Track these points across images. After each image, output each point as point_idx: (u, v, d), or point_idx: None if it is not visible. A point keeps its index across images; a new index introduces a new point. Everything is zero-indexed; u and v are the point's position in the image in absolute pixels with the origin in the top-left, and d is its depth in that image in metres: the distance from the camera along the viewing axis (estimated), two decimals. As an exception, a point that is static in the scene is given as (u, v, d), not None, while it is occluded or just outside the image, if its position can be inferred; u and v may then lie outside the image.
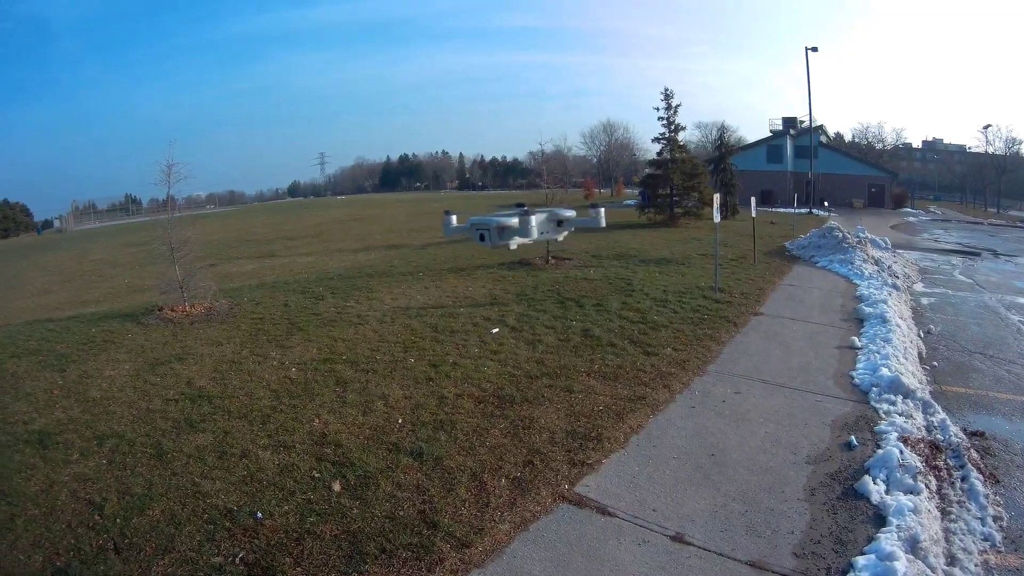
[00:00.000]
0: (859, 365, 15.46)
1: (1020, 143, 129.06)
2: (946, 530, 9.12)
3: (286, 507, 9.20)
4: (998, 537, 9.12)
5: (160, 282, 23.41)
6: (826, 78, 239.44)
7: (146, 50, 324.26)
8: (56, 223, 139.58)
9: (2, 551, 8.50)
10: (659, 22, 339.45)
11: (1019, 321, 22.09)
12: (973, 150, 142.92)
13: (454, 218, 16.91)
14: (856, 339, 17.57)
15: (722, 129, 69.67)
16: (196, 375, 15.13)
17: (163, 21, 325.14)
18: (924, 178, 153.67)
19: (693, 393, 13.73)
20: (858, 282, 26.17)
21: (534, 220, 15.24)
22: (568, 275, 26.77)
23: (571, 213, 17.25)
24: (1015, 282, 31.46)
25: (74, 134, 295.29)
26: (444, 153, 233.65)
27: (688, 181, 53.15)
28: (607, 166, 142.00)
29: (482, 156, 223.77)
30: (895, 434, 11.35)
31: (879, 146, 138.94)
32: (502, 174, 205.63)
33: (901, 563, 7.75)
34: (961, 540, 8.93)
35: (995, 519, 9.47)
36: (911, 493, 9.55)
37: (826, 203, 76.96)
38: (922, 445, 11.17)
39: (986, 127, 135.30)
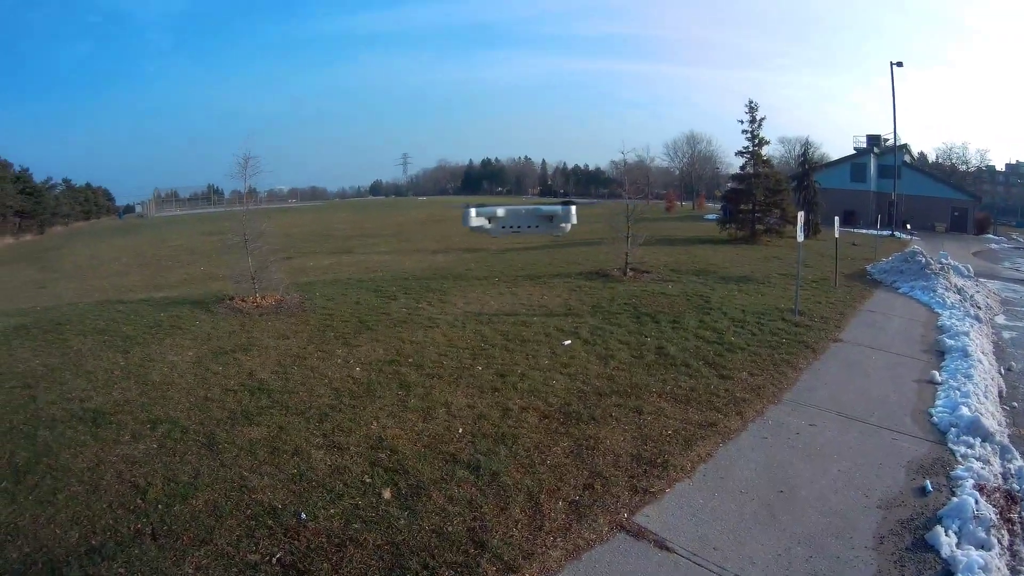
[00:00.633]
0: (938, 402, 14.39)
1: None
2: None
3: (332, 510, 9.00)
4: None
5: (233, 272, 23.59)
6: (911, 95, 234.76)
7: (233, 47, 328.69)
8: (138, 208, 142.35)
9: (40, 524, 8.61)
10: (744, 34, 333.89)
11: (1105, 362, 20.94)
12: None
13: (473, 211, 17.23)
14: (936, 373, 16.56)
15: (806, 144, 68.30)
16: (258, 367, 15.10)
17: (250, 19, 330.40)
18: (1007, 203, 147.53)
19: (766, 422, 12.98)
20: (939, 311, 25.13)
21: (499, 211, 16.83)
22: (646, 289, 26.19)
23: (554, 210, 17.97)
24: (1105, 317, 29.96)
25: (160, 124, 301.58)
26: (527, 158, 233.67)
27: (771, 197, 51.62)
28: (689, 178, 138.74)
29: (564, 163, 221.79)
30: (971, 481, 10.56)
31: (963, 168, 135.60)
32: (584, 182, 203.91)
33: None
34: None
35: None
36: (983, 548, 8.87)
37: (908, 225, 74.85)
38: (998, 495, 10.42)
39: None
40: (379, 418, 12.15)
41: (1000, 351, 20.82)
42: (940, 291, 27.74)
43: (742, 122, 51.42)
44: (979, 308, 25.82)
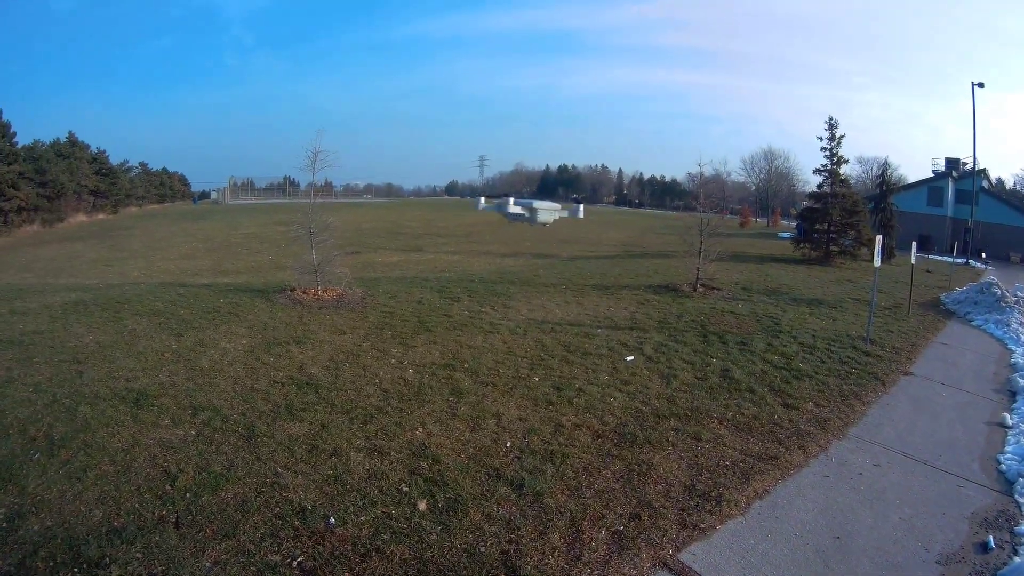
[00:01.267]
0: (1008, 448, 13.79)
1: None
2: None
3: (363, 517, 8.76)
4: None
5: (296, 264, 23.73)
6: (992, 117, 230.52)
7: (315, 44, 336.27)
8: (213, 195, 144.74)
9: (66, 500, 8.71)
10: (824, 50, 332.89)
11: None
12: None
13: (482, 200, 18.52)
14: (1007, 416, 15.80)
15: (885, 165, 65.64)
16: (310, 361, 14.99)
17: (333, 18, 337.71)
18: None
19: (829, 459, 12.24)
20: (1013, 347, 24.14)
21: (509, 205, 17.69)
22: (715, 306, 25.60)
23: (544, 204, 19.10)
24: None
25: (239, 117, 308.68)
26: (603, 167, 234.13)
27: (847, 218, 50.28)
28: (765, 195, 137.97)
29: (641, 173, 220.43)
30: None
31: None
32: (659, 193, 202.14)
33: None
34: None
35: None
36: (1042, 615, 8.35)
37: (983, 254, 72.36)
38: None
39: None
40: (425, 424, 11.87)
41: (1072, 396, 19.99)
42: (1015, 326, 26.83)
43: (821, 139, 50.38)
44: None
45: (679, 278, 30.33)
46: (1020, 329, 26.18)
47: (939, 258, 63.07)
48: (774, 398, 14.88)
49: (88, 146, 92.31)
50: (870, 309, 22.51)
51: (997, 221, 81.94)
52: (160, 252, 42.28)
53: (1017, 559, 9.25)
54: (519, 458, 10.79)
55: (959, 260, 58.47)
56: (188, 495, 8.92)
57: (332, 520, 8.56)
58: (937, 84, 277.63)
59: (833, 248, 49.99)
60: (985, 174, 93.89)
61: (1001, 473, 12.45)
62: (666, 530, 9.08)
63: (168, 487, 9.09)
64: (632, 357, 17.21)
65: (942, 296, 34.53)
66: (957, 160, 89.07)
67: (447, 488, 9.58)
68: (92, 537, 7.84)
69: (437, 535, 8.43)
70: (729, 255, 36.20)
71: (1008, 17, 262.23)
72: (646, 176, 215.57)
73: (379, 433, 11.30)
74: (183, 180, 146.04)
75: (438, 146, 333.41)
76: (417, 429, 11.57)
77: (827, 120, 50.11)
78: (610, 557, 8.40)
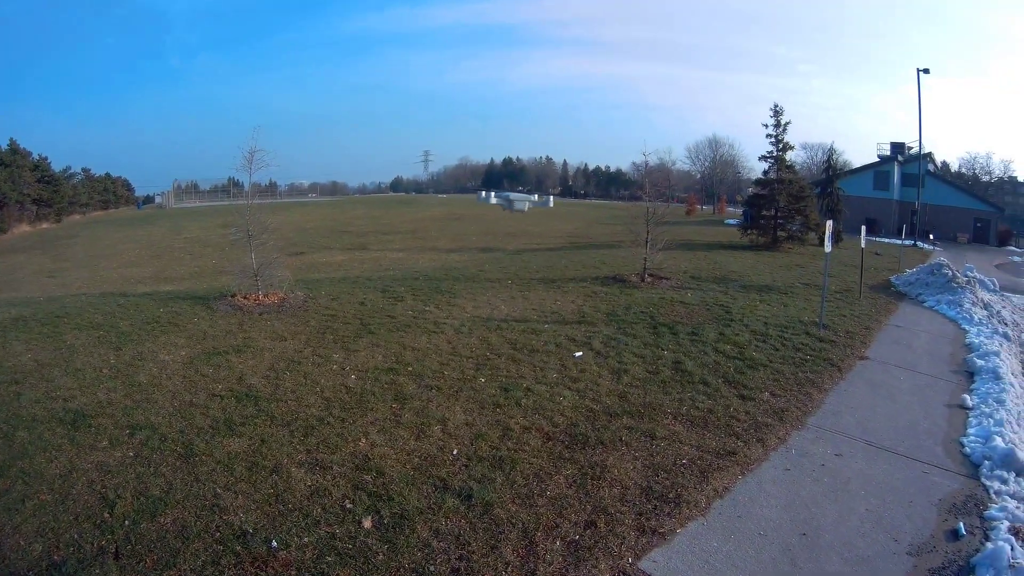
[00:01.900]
0: (970, 430, 13.70)
1: None
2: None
3: (306, 539, 8.33)
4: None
5: (236, 268, 23.13)
6: (937, 103, 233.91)
7: (260, 43, 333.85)
8: (157, 199, 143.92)
9: (5, 533, 8.28)
10: (770, 39, 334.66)
11: None
12: None
13: (482, 193, 19.35)
14: (967, 397, 15.66)
15: (831, 151, 67.15)
16: (250, 371, 14.52)
17: (275, 16, 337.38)
18: None
19: (790, 451, 12.04)
20: (967, 327, 24.38)
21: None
22: (664, 296, 25.35)
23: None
24: None
25: (184, 118, 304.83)
26: (548, 159, 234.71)
27: (794, 203, 51.23)
28: (711, 183, 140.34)
29: (586, 164, 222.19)
30: (1006, 523, 9.76)
31: (985, 178, 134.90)
32: (604, 183, 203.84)
33: None
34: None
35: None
36: (1019, 602, 8.12)
37: (931, 235, 75.09)
38: None
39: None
40: (368, 434, 11.43)
41: (1030, 371, 19.94)
42: (967, 306, 27.01)
43: (766, 126, 50.94)
44: (1007, 325, 25.07)
45: (627, 269, 30.24)
46: (973, 309, 26.43)
47: (887, 240, 64.06)
48: (729, 390, 14.67)
49: (30, 153, 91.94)
50: (822, 294, 22.43)
51: (944, 203, 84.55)
52: (104, 261, 42.44)
53: (989, 545, 9.10)
54: (467, 466, 10.41)
55: (907, 242, 59.47)
56: (127, 523, 8.50)
57: (274, 543, 8.16)
58: (882, 71, 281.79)
59: (781, 234, 50.59)
60: (931, 158, 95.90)
61: (966, 456, 12.43)
62: (624, 537, 8.74)
63: (107, 515, 8.67)
64: (581, 353, 16.89)
65: (893, 278, 35.08)
66: (903, 144, 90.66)
67: (392, 503, 9.18)
68: (33, 573, 7.53)
69: (384, 555, 8.06)
70: (676, 244, 36.58)
71: (953, 3, 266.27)
72: (591, 167, 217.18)
73: (321, 446, 10.88)
74: (127, 185, 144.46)
75: (383, 143, 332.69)
76: (360, 440, 11.16)
77: (772, 107, 50.68)
78: (566, 570, 8.08)
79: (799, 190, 51.69)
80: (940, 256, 44.37)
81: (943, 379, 17.41)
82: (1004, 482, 11.18)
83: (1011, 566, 8.51)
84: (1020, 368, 19.14)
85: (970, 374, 17.91)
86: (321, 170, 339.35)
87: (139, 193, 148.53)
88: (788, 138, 51.39)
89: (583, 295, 25.02)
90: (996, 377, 17.02)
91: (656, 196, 32.43)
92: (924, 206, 77.71)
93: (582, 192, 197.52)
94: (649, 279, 28.39)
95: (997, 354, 19.14)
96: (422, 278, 28.69)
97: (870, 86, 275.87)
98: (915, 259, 46.76)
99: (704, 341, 18.46)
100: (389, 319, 19.72)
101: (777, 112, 50.39)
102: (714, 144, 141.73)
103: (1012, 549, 8.82)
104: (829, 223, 22.14)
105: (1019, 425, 13.86)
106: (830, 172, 61.74)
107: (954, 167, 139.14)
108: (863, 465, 11.61)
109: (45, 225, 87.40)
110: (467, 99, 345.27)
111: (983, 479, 11.37)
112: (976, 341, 21.45)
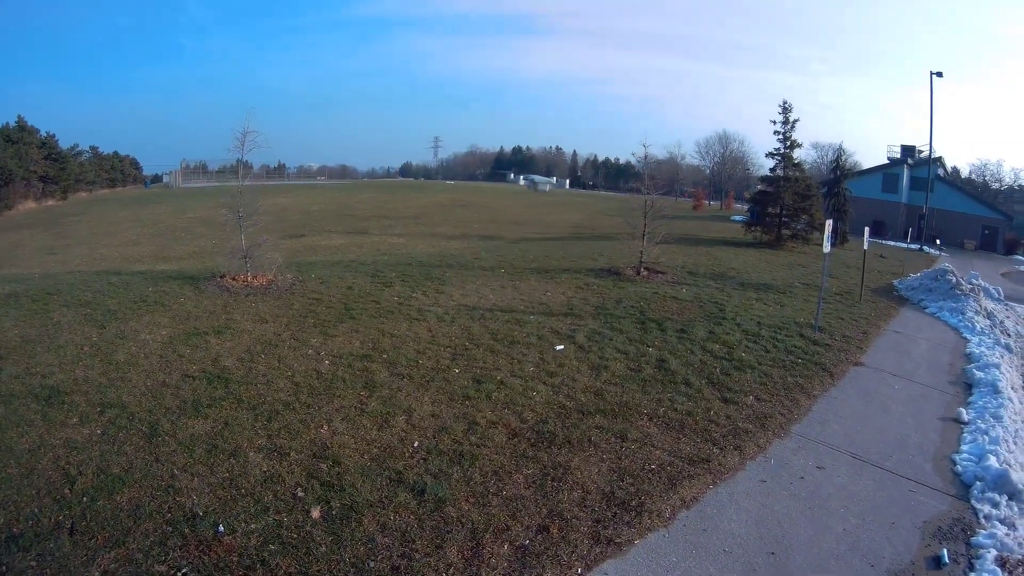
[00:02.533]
0: (963, 447, 13.08)
1: None
2: None
3: (253, 525, 8.21)
4: None
5: (226, 249, 23.30)
6: (949, 107, 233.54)
7: (273, 22, 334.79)
8: (165, 179, 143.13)
9: None
10: (784, 37, 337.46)
11: None
12: None
13: (512, 175, 20.41)
14: (963, 411, 15.15)
15: (839, 150, 67.29)
16: (226, 352, 14.41)
17: None
18: None
19: (768, 461, 11.50)
20: (968, 336, 23.90)
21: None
22: (657, 291, 24.86)
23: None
24: None
25: (195, 98, 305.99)
26: (558, 148, 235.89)
27: (800, 202, 50.81)
28: (719, 178, 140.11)
29: (595, 156, 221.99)
30: (993, 552, 9.13)
31: (995, 185, 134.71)
32: (613, 175, 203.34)
33: None
34: None
35: None
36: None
37: (937, 241, 74.75)
38: (1021, 570, 9.00)
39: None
40: (332, 421, 11.20)
41: (1031, 386, 19.50)
42: (970, 314, 26.57)
43: (775, 123, 50.72)
44: (1009, 336, 24.67)
45: (623, 261, 29.83)
46: (975, 318, 25.97)
47: (893, 244, 64.70)
48: (712, 391, 14.26)
49: (37, 130, 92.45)
50: (820, 296, 21.99)
51: (952, 208, 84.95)
52: (106, 238, 42.36)
53: (973, 575, 8.55)
54: (425, 460, 10.12)
55: (913, 246, 59.78)
56: (85, 499, 8.48)
57: (221, 528, 8.04)
58: (896, 73, 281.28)
59: (785, 232, 50.35)
60: (941, 162, 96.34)
61: (956, 475, 11.91)
62: (576, 545, 8.33)
63: (67, 491, 8.68)
64: (562, 346, 16.57)
65: (896, 282, 34.61)
66: (913, 148, 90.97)
67: (343, 493, 8.97)
68: (-9, 545, 7.50)
69: (327, 547, 7.89)
70: (675, 238, 36.20)
71: (967, 8, 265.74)
72: (600, 158, 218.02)
73: (282, 431, 10.68)
74: (135, 164, 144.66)
75: (394, 127, 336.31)
76: (323, 427, 10.94)
77: (781, 104, 50.32)
78: (510, 576, 7.68)
79: (805, 188, 51.37)
80: (945, 262, 44.11)
81: (939, 390, 16.94)
82: (995, 506, 10.63)
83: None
84: (1021, 382, 18.75)
85: (968, 386, 17.43)
86: (332, 153, 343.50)
87: (147, 172, 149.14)
88: (796, 136, 51.05)
89: (575, 287, 24.74)
90: (995, 391, 16.54)
91: (655, 189, 32.19)
92: (932, 211, 77.89)
93: (590, 183, 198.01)
94: (645, 273, 28.02)
95: (998, 366, 18.69)
96: (415, 264, 28.51)
97: (883, 88, 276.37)
98: (920, 264, 46.56)
99: (692, 339, 18.09)
100: (373, 304, 19.49)
101: (786, 109, 50.07)
102: (724, 140, 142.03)
103: None
104: (829, 222, 21.78)
105: (1015, 444, 13.36)
106: (838, 172, 60.91)
107: (964, 173, 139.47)
108: (845, 480, 11.14)
109: (51, 202, 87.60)
110: (479, 87, 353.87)
111: (973, 501, 10.84)
112: (977, 351, 20.98)
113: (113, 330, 15.50)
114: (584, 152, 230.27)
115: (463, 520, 8.57)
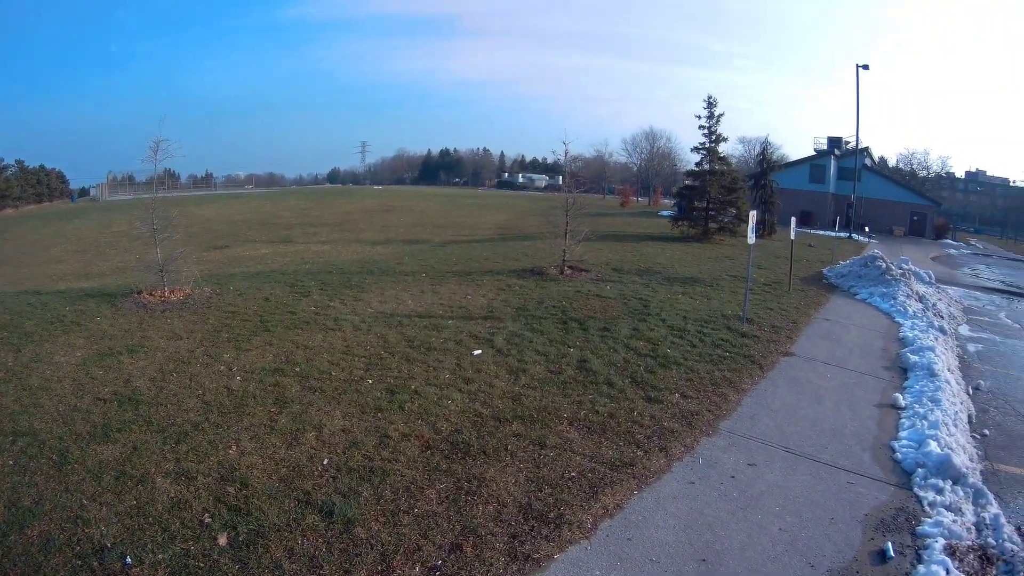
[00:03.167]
0: (902, 433, 13.01)
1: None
2: None
3: (160, 555, 7.84)
4: None
5: (141, 264, 23.01)
6: (875, 100, 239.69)
7: (201, 30, 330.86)
8: (92, 192, 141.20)
9: None
10: (707, 33, 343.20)
11: (1077, 379, 19.76)
12: (1018, 184, 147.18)
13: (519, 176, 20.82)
14: (900, 396, 15.12)
15: (765, 143, 68.03)
16: (138, 373, 13.87)
17: (215, 4, 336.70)
18: (965, 209, 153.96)
19: (696, 461, 11.13)
20: (901, 321, 24.18)
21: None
22: (580, 290, 24.71)
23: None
24: (1067, 330, 29.11)
25: (122, 107, 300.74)
26: (485, 150, 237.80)
27: (726, 195, 51.96)
28: (647, 175, 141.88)
29: (523, 156, 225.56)
30: (941, 541, 8.93)
31: (923, 173, 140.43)
32: (541, 174, 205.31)
33: None
34: None
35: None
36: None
37: (867, 228, 76.53)
38: (971, 557, 8.72)
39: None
40: (240, 441, 10.78)
41: (966, 367, 19.83)
42: (901, 298, 26.86)
43: (699, 117, 51.60)
44: (942, 318, 25.17)
45: (547, 261, 29.80)
46: (907, 301, 26.33)
47: (822, 233, 65.76)
48: (635, 391, 13.95)
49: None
50: (746, 287, 21.87)
51: (880, 197, 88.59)
52: (30, 257, 41.91)
53: (921, 568, 8.35)
54: (335, 478, 9.74)
55: (842, 234, 60.40)
56: None
57: (129, 559, 7.69)
58: (823, 67, 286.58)
59: (712, 225, 51.05)
60: (868, 152, 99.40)
61: (897, 463, 11.76)
62: (492, 563, 7.95)
63: None
64: (480, 351, 16.24)
65: (825, 270, 35.24)
66: (840, 139, 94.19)
67: (251, 518, 8.58)
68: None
69: (234, 575, 7.53)
70: (601, 235, 36.69)
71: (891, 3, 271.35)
72: (528, 158, 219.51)
73: (190, 453, 10.27)
74: (61, 177, 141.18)
75: (322, 133, 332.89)
76: (231, 447, 10.53)
77: (706, 98, 51.34)
78: (422, 599, 7.37)
79: (731, 182, 52.38)
80: (875, 248, 44.55)
81: (874, 376, 16.94)
82: (940, 492, 10.48)
83: (946, 594, 7.79)
84: (957, 363, 18.86)
85: (904, 370, 17.51)
86: (261, 161, 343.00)
87: (74, 185, 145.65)
88: (722, 130, 51.98)
89: (496, 288, 24.53)
90: (931, 374, 16.61)
91: (576, 186, 32.33)
92: (860, 199, 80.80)
93: (519, 184, 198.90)
94: (568, 271, 27.90)
95: (932, 349, 18.82)
96: (336, 272, 28.17)
97: (811, 82, 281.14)
98: (849, 251, 47.30)
99: (615, 337, 17.86)
100: (289, 315, 19.14)
101: (711, 104, 50.96)
102: (651, 136, 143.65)
103: (947, 573, 8.14)
104: (752, 213, 21.78)
105: (955, 427, 13.35)
106: (764, 164, 62.29)
107: (892, 163, 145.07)
108: (779, 476, 10.86)
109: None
110: (406, 89, 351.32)
111: (916, 489, 10.67)
112: (910, 335, 21.16)
113: (29, 353, 15.03)
114: (512, 152, 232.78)
115: (372, 541, 8.22)
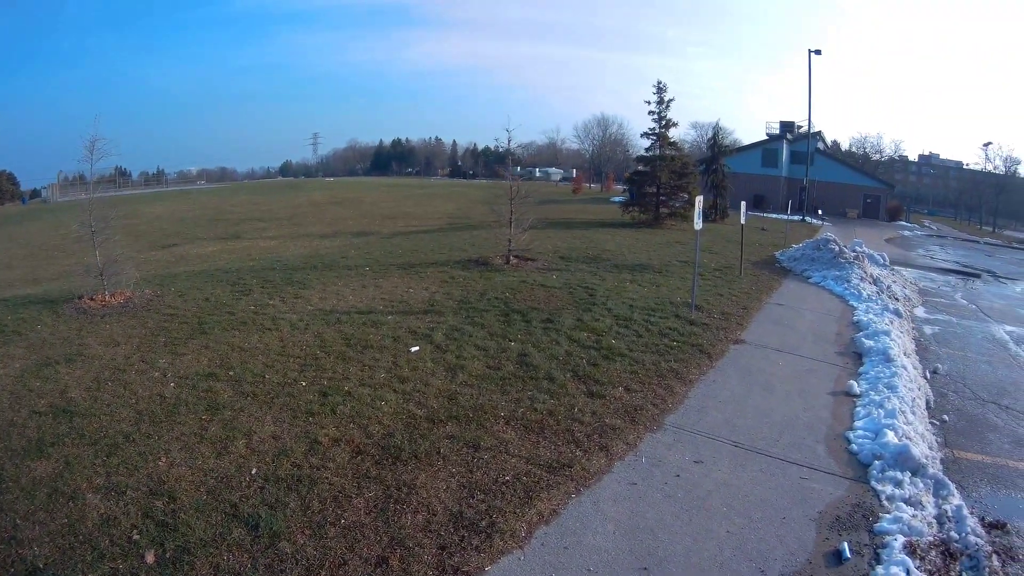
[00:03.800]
0: (858, 423, 12.80)
1: (1019, 163, 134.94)
2: None
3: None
4: None
5: (80, 268, 22.39)
6: (828, 85, 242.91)
7: (153, 22, 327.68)
8: (44, 193, 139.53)
9: None
10: (660, 21, 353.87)
11: (1033, 360, 19.73)
12: (970, 167, 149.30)
13: (536, 170, 20.96)
14: (855, 383, 14.99)
15: (716, 128, 68.68)
16: (75, 383, 13.47)
17: None
18: (919, 192, 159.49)
19: (639, 459, 10.75)
20: (855, 304, 24.27)
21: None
22: (526, 280, 24.53)
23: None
24: (1020, 310, 29.67)
25: (74, 103, 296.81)
26: (437, 139, 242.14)
27: (677, 180, 52.46)
28: (599, 161, 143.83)
29: (475, 145, 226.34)
30: (900, 538, 8.72)
31: (876, 157, 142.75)
32: (494, 163, 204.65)
33: None
34: None
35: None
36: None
37: (820, 211, 78.24)
38: (933, 553, 8.57)
39: (987, 145, 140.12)
40: (170, 451, 10.49)
41: (923, 350, 19.83)
42: (855, 281, 27.02)
43: (649, 103, 52.04)
44: (897, 300, 25.26)
45: (493, 251, 29.68)
46: (861, 284, 26.50)
47: (775, 216, 66.79)
48: (576, 386, 13.69)
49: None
50: (694, 273, 21.56)
51: (833, 180, 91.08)
52: None
53: (880, 569, 8.11)
54: (262, 488, 9.48)
55: (795, 217, 61.35)
56: None
57: None
58: (776, 53, 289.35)
59: (663, 211, 51.66)
60: (820, 136, 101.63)
61: (852, 455, 11.55)
62: (420, 577, 7.74)
63: None
64: (417, 347, 15.97)
65: (777, 254, 35.52)
66: (792, 123, 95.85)
67: (178, 534, 8.34)
68: None
69: None
70: (551, 222, 36.80)
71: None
72: (480, 147, 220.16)
73: (121, 467, 9.99)
74: (12, 179, 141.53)
75: (275, 126, 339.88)
76: (161, 458, 10.26)
77: (656, 84, 51.79)
78: (346, 617, 7.16)
79: (682, 167, 52.93)
80: (828, 231, 44.95)
81: (828, 363, 16.90)
82: (898, 485, 10.26)
83: (907, 597, 7.60)
84: (913, 347, 18.85)
85: (858, 356, 17.46)
86: (214, 155, 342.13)
87: (25, 187, 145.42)
88: (673, 116, 52.81)
89: (439, 281, 24.33)
90: (887, 359, 16.53)
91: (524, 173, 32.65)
92: (813, 183, 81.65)
93: (471, 172, 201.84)
94: (514, 261, 27.83)
95: (888, 333, 18.78)
96: (280, 268, 27.85)
97: (761, 67, 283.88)
98: (803, 234, 47.31)
99: (558, 329, 17.64)
100: (228, 316, 18.78)
101: (660, 89, 51.51)
102: (603, 123, 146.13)
103: (908, 573, 7.95)
104: (699, 199, 21.67)
105: (913, 414, 13.25)
106: (715, 149, 63.29)
107: (845, 146, 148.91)
108: (727, 473, 10.60)
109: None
110: (358, 80, 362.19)
111: (873, 483, 10.45)
112: (865, 319, 21.18)
113: (-32, 367, 14.52)
114: (464, 141, 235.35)
115: (298, 556, 8.00)
